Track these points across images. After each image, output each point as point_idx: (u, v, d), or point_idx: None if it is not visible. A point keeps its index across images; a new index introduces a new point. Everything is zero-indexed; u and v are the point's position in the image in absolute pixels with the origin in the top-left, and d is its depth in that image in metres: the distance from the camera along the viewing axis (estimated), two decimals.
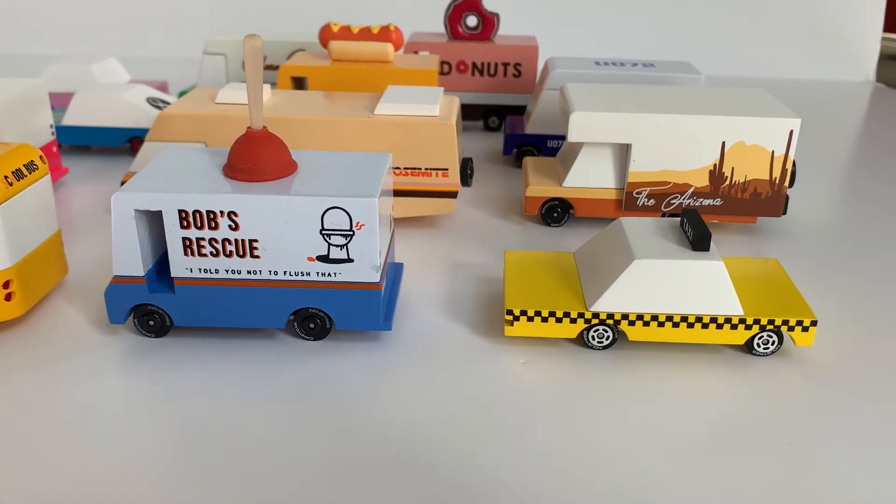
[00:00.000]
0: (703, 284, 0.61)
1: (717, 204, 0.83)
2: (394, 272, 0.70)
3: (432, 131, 0.80)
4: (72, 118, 1.05)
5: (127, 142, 1.06)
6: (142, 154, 0.83)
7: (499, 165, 1.08)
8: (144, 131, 1.05)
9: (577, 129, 0.80)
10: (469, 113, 1.22)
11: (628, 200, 0.83)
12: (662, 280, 0.61)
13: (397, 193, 0.83)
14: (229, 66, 1.22)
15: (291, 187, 0.60)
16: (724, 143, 0.80)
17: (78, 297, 0.70)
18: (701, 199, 0.83)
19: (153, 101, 1.08)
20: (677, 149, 0.80)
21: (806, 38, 1.82)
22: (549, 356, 0.63)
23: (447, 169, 0.82)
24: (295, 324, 0.63)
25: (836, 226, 0.92)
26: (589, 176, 0.84)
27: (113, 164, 1.05)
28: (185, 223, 0.59)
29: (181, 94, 1.26)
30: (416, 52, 1.19)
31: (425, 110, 0.81)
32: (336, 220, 0.59)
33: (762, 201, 0.82)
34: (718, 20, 1.82)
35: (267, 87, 0.86)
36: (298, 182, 0.61)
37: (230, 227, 0.59)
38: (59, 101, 1.13)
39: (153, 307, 0.63)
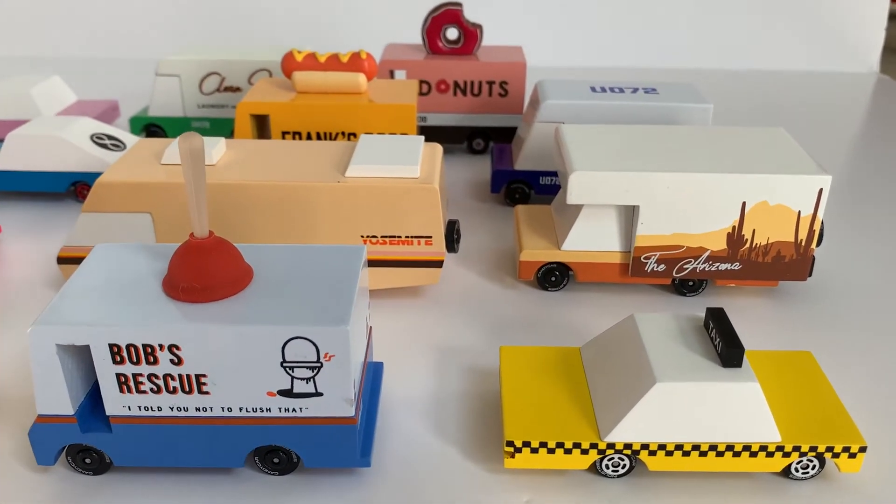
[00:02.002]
0: (736, 408, 0.52)
1: (736, 268, 0.73)
2: (372, 376, 0.61)
3: (413, 197, 0.70)
4: (4, 163, 0.93)
5: (70, 186, 0.95)
6: (79, 227, 0.72)
7: (486, 204, 0.98)
8: (89, 175, 0.93)
9: (578, 190, 0.70)
10: (451, 136, 1.11)
11: (636, 265, 0.74)
12: (688, 405, 0.52)
13: (374, 264, 0.73)
14: (184, 89, 1.10)
15: (245, 311, 0.49)
16: (744, 204, 0.70)
17: (1, 416, 0.60)
18: (717, 264, 0.73)
19: (98, 139, 0.96)
20: (692, 210, 0.71)
21: (808, 30, 1.71)
22: (556, 490, 0.54)
23: (431, 237, 0.72)
24: (256, 459, 0.54)
25: (854, 257, 0.83)
26: (591, 238, 0.74)
27: (55, 214, 0.94)
28: (117, 358, 0.49)
29: (133, 121, 1.14)
30: (391, 73, 1.07)
31: (404, 171, 0.70)
32: (300, 352, 0.49)
33: (785, 264, 0.73)
34: (717, 12, 1.71)
35: (221, 142, 0.75)
36: (253, 302, 0.50)
37: (172, 361, 0.49)
38: None
39: (89, 446, 0.53)
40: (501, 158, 0.98)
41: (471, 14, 1.15)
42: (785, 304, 0.76)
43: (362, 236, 0.72)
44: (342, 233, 0.71)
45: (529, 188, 0.95)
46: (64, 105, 1.17)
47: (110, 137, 0.98)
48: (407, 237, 0.72)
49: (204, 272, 0.50)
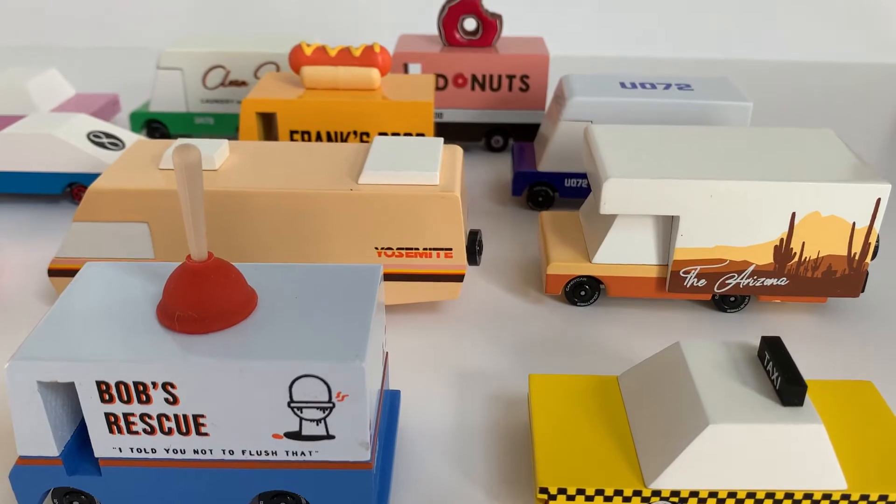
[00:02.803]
0: (797, 452, 0.46)
1: (782, 284, 0.67)
2: (389, 407, 0.55)
3: (433, 206, 0.64)
4: None
5: (66, 187, 0.89)
6: (71, 237, 0.67)
7: (507, 207, 0.92)
8: (86, 176, 0.88)
9: (613, 199, 0.64)
10: (469, 133, 1.06)
11: (674, 280, 0.68)
12: (744, 448, 0.46)
13: (390, 277, 0.67)
14: (187, 83, 1.05)
15: (248, 344, 0.44)
16: (794, 215, 0.64)
17: None
18: (762, 279, 0.67)
19: (96, 137, 0.91)
20: (736, 221, 0.65)
21: (837, 19, 1.64)
22: None
23: (451, 249, 0.66)
24: (262, 503, 0.49)
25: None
26: (624, 251, 0.68)
27: (50, 216, 0.89)
28: (106, 397, 0.44)
29: (133, 117, 1.08)
30: (405, 66, 1.01)
31: (423, 178, 0.65)
32: (310, 391, 0.43)
33: (836, 280, 0.67)
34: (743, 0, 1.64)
35: (224, 145, 0.69)
36: (257, 333, 0.45)
37: (167, 400, 0.44)
38: None
39: (76, 490, 0.48)
40: (523, 158, 0.92)
41: (490, 3, 1.09)
42: (834, 322, 0.70)
43: (377, 248, 0.66)
44: (355, 244, 0.66)
45: (553, 191, 0.89)
46: (62, 99, 1.12)
47: (108, 136, 0.92)
48: (425, 249, 0.66)
49: (202, 300, 0.45)
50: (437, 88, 1.02)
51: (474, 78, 1.02)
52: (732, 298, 0.70)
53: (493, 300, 0.73)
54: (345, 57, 0.84)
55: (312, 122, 0.83)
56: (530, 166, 0.89)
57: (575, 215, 0.77)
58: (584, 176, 0.88)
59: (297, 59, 0.84)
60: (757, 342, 0.52)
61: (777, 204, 0.64)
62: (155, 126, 1.08)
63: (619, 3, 1.64)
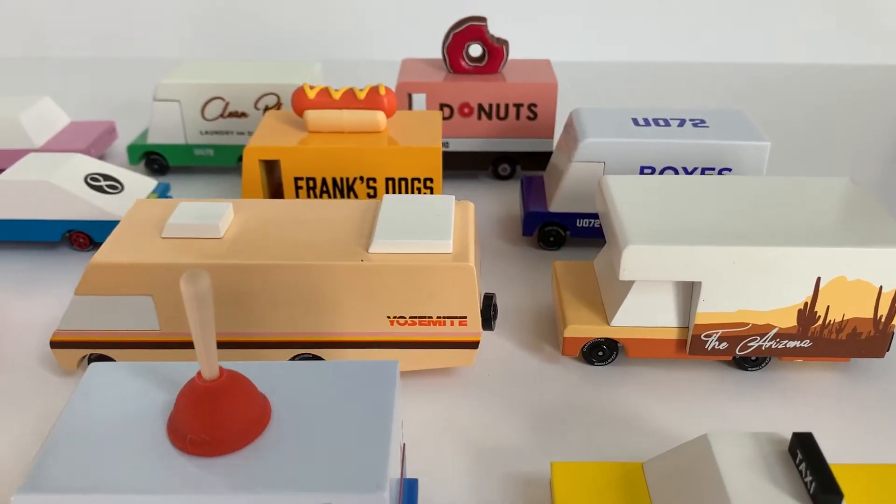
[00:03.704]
0: None
1: (805, 346, 0.66)
2: (407, 498, 0.54)
3: (447, 276, 0.62)
4: None
5: (65, 233, 0.87)
6: (72, 310, 0.64)
7: (518, 246, 0.90)
8: (85, 224, 0.85)
9: (633, 266, 0.62)
10: (475, 161, 1.03)
11: (695, 344, 0.66)
12: None
13: (402, 345, 0.65)
14: (185, 114, 1.02)
15: (263, 469, 0.42)
16: (819, 279, 0.63)
17: None
18: (785, 342, 0.66)
19: (94, 180, 0.88)
20: (759, 285, 0.63)
21: (841, 20, 1.61)
22: None
23: (465, 317, 0.64)
24: None
25: None
26: (643, 314, 0.66)
27: (49, 264, 0.86)
28: None
29: (131, 149, 1.05)
30: (409, 96, 0.98)
31: (436, 245, 0.63)
32: None
33: (861, 342, 0.65)
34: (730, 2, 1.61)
35: (229, 210, 0.67)
36: (272, 453, 0.43)
37: None
38: None
39: None
40: (532, 195, 0.89)
41: (494, 26, 1.06)
42: (858, 381, 0.68)
43: (389, 317, 0.64)
44: (366, 314, 0.64)
45: (565, 230, 0.87)
46: (56, 129, 1.09)
47: (106, 178, 0.90)
48: (439, 318, 0.64)
49: (214, 422, 0.43)
50: (443, 118, 1.00)
51: (480, 107, 0.99)
52: (754, 358, 0.68)
53: (507, 358, 0.71)
54: (349, 99, 0.81)
55: (317, 168, 0.81)
56: (541, 205, 0.87)
57: (590, 266, 0.75)
58: (595, 216, 0.86)
59: (300, 102, 0.82)
60: (787, 433, 0.51)
61: (802, 269, 0.62)
62: (153, 158, 1.05)
63: (618, 8, 1.60)
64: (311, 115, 0.82)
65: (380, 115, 0.82)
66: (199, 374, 0.44)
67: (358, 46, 1.60)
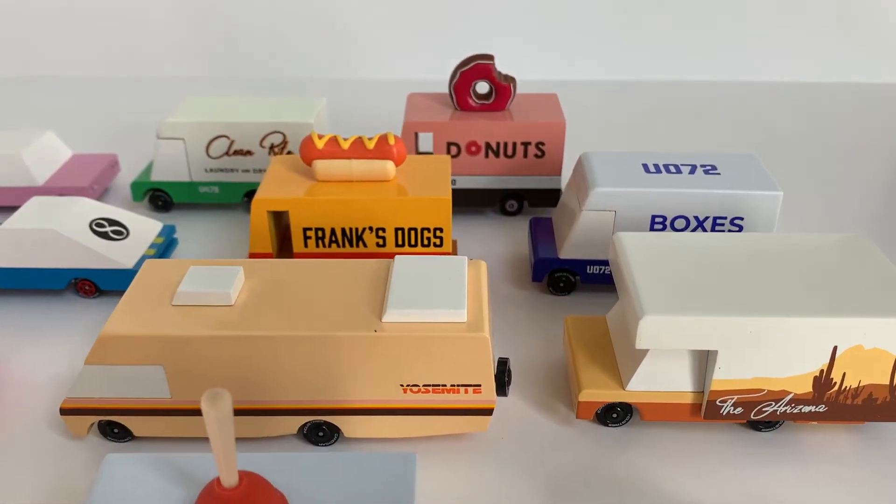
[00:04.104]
0: None
1: (820, 410, 0.65)
2: None
3: (461, 346, 0.61)
4: None
5: (71, 280, 0.86)
6: (82, 379, 0.64)
7: (527, 291, 0.89)
8: (91, 272, 0.85)
9: (649, 336, 0.62)
10: (483, 199, 1.02)
11: (710, 409, 0.66)
12: None
13: (415, 412, 0.65)
14: (189, 152, 1.01)
15: None
16: (835, 348, 0.62)
17: None
18: (800, 407, 0.65)
19: (99, 226, 0.87)
20: (776, 354, 0.62)
21: (845, 38, 1.60)
22: None
23: (479, 385, 0.64)
24: None
25: None
26: (658, 379, 0.66)
27: (54, 312, 0.85)
28: None
29: (134, 186, 1.04)
30: (416, 136, 0.97)
31: (451, 315, 0.62)
32: None
33: (877, 406, 0.65)
34: (745, 20, 1.59)
35: (240, 274, 0.66)
36: None
37: None
38: None
39: None
40: (542, 239, 0.89)
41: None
42: (872, 443, 0.68)
43: (402, 385, 0.64)
44: (379, 382, 0.63)
45: (575, 276, 0.86)
46: (59, 164, 1.08)
47: (111, 222, 0.89)
48: (453, 386, 0.64)
49: None
50: (451, 156, 0.99)
51: (488, 145, 0.98)
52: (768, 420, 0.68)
53: (521, 420, 0.71)
54: (358, 149, 0.80)
55: (326, 219, 0.80)
56: (550, 251, 0.86)
57: (602, 322, 0.75)
58: (606, 263, 0.85)
59: (309, 152, 0.81)
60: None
61: (820, 338, 0.62)
62: (158, 195, 1.04)
63: (619, 29, 1.59)
64: (320, 165, 0.81)
65: (389, 165, 0.81)
66: (217, 480, 0.43)
67: (361, 66, 1.59)
